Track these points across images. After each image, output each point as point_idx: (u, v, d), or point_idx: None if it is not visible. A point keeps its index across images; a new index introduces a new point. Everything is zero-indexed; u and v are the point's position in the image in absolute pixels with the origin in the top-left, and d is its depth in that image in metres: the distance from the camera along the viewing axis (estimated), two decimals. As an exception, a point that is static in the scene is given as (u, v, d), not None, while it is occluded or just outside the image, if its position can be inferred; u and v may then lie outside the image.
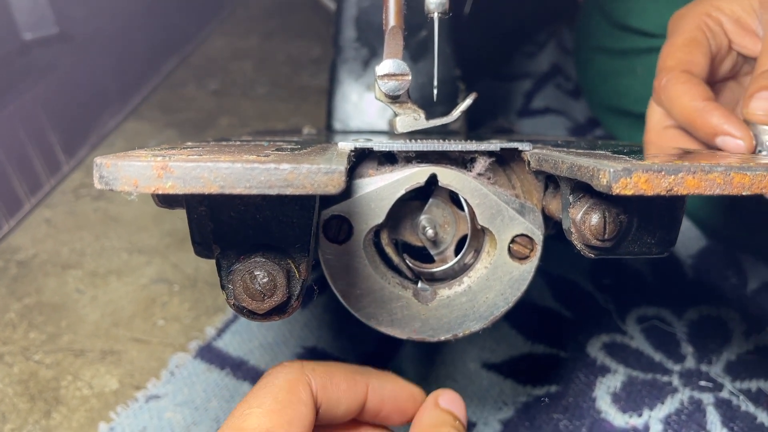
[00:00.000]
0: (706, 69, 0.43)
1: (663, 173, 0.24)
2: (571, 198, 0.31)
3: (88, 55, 0.90)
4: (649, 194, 0.24)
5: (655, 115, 0.47)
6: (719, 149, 0.40)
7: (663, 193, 0.24)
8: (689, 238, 0.70)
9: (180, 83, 1.08)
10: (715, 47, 0.44)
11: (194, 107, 1.01)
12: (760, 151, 0.39)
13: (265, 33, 1.22)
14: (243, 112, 1.00)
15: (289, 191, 0.23)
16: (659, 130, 0.46)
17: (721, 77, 0.46)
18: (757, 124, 0.39)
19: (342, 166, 0.23)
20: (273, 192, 0.23)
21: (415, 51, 0.61)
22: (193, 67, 1.13)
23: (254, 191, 0.23)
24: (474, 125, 0.88)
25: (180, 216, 0.75)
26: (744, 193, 0.24)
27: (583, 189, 0.31)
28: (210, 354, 0.59)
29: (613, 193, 0.24)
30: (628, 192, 0.24)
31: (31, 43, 0.83)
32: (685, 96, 0.41)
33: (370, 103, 0.63)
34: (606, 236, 0.30)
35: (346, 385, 0.32)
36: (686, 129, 0.43)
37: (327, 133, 0.62)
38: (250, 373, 0.57)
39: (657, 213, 0.31)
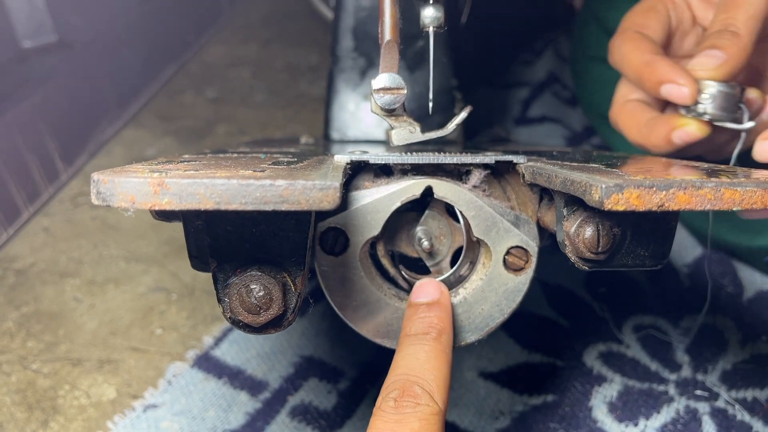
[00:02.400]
0: (659, 34, 0.46)
1: (654, 189, 0.24)
2: (564, 211, 0.31)
3: (87, 63, 0.90)
4: (641, 210, 0.24)
5: (619, 91, 0.49)
6: (665, 100, 0.42)
7: (654, 208, 0.24)
8: (685, 247, 0.71)
9: (178, 91, 1.08)
10: (675, 19, 0.47)
11: (192, 115, 1.02)
12: (698, 103, 0.41)
13: (263, 41, 1.23)
14: (241, 120, 1.00)
15: (284, 207, 0.23)
16: (622, 104, 0.48)
17: (686, 52, 0.49)
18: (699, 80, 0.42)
19: (337, 182, 0.23)
20: (268, 208, 0.23)
21: (412, 61, 0.62)
22: (191, 74, 1.13)
23: (250, 207, 0.23)
24: (471, 134, 0.88)
25: (177, 227, 0.75)
26: (734, 209, 0.25)
27: (577, 202, 0.31)
28: (207, 363, 0.59)
29: (605, 209, 0.24)
30: (620, 208, 0.24)
31: (30, 51, 0.84)
32: (634, 51, 0.44)
33: (368, 112, 0.63)
34: (599, 249, 0.30)
35: None
36: (636, 84, 0.45)
37: (324, 142, 0.62)
38: (247, 383, 0.57)
39: (650, 226, 0.32)
